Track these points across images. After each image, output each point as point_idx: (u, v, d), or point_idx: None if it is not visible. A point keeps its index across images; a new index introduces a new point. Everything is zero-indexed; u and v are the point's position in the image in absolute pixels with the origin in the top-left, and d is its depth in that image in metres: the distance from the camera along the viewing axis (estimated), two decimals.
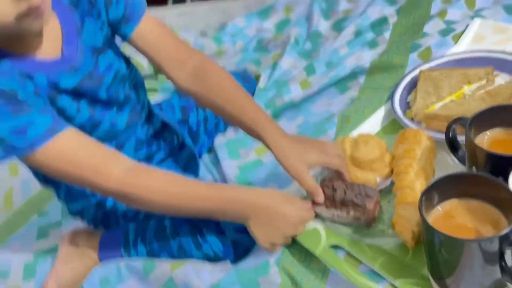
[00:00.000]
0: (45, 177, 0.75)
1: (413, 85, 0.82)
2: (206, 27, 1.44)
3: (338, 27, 1.14)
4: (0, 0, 0.53)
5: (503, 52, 0.81)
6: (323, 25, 1.16)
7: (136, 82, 0.78)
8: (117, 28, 0.71)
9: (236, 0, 1.50)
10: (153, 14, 0.74)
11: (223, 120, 0.90)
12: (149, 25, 0.73)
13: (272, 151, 0.67)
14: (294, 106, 0.95)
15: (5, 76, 0.59)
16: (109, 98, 0.71)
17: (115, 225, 0.80)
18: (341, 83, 0.94)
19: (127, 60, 0.76)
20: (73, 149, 0.61)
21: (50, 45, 0.66)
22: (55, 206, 0.89)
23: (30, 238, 0.90)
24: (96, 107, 0.70)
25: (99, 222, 0.82)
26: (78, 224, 0.84)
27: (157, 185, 0.62)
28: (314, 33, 1.14)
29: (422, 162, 0.64)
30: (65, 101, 0.65)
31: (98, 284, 0.72)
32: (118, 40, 0.74)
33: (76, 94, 0.67)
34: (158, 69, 0.78)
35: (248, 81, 1.02)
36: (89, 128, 0.69)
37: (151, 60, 0.75)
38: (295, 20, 1.21)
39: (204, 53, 0.81)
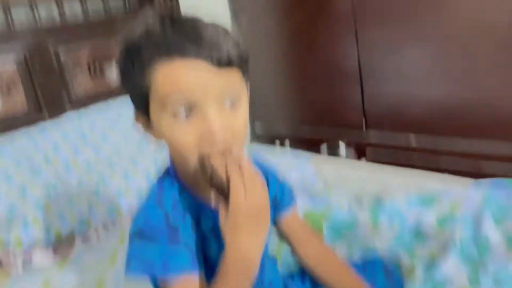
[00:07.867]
0: None
1: None
2: (360, 191, 1.43)
3: (510, 241, 1.06)
4: (189, 136, 0.62)
5: None
6: (493, 232, 1.09)
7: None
8: (279, 208, 0.89)
9: (395, 175, 1.50)
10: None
11: None
12: (293, 211, 0.92)
13: None
14: None
15: (176, 210, 0.69)
16: None
17: None
18: None
19: None
20: None
21: None
22: None
23: None
24: None
25: None
26: None
27: None
28: (482, 239, 1.07)
29: None
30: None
31: None
32: None
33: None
34: (289, 245, 0.93)
35: (391, 278, 0.98)
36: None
37: (287, 239, 0.92)
38: (459, 217, 1.16)
39: (322, 238, 1.03)
